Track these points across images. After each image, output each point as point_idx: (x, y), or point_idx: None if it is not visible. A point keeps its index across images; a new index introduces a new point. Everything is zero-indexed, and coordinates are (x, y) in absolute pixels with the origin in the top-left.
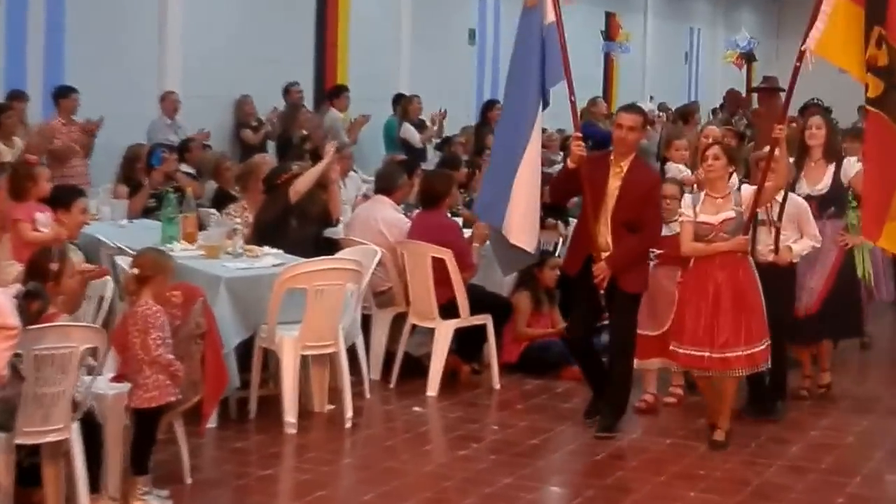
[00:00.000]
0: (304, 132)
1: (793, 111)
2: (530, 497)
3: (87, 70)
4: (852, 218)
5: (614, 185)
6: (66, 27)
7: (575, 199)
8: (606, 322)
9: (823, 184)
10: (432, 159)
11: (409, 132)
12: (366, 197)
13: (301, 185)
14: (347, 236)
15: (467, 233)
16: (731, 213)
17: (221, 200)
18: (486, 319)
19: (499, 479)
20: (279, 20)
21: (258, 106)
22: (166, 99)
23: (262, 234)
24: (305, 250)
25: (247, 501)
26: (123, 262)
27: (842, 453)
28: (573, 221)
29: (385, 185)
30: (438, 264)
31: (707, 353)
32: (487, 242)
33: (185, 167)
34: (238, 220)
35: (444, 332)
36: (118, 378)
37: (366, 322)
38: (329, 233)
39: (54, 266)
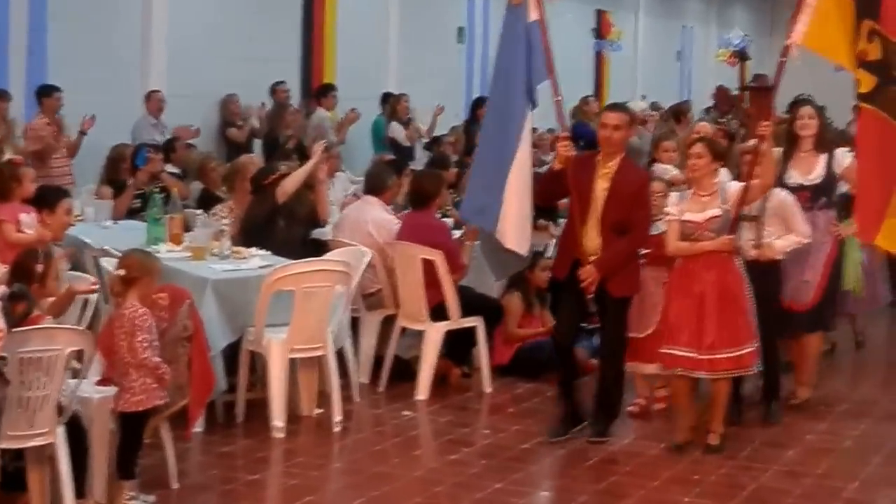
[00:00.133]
0: (291, 132)
1: (780, 107)
2: (522, 502)
3: (70, 68)
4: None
5: (602, 186)
6: (49, 25)
7: (566, 200)
8: (598, 325)
9: (816, 174)
10: (420, 159)
11: (398, 131)
12: (355, 197)
13: (289, 185)
14: (336, 237)
15: (457, 234)
16: (717, 212)
17: (207, 201)
18: (476, 322)
19: (490, 484)
20: (265, 18)
21: (244, 105)
22: (151, 98)
23: (250, 235)
24: (293, 251)
25: None
26: (108, 263)
27: (838, 458)
28: (563, 222)
29: (374, 185)
30: (428, 266)
31: (693, 354)
32: (478, 243)
33: (170, 167)
34: (225, 221)
35: (434, 334)
36: (103, 381)
37: (354, 325)
38: (317, 234)
39: (39, 267)
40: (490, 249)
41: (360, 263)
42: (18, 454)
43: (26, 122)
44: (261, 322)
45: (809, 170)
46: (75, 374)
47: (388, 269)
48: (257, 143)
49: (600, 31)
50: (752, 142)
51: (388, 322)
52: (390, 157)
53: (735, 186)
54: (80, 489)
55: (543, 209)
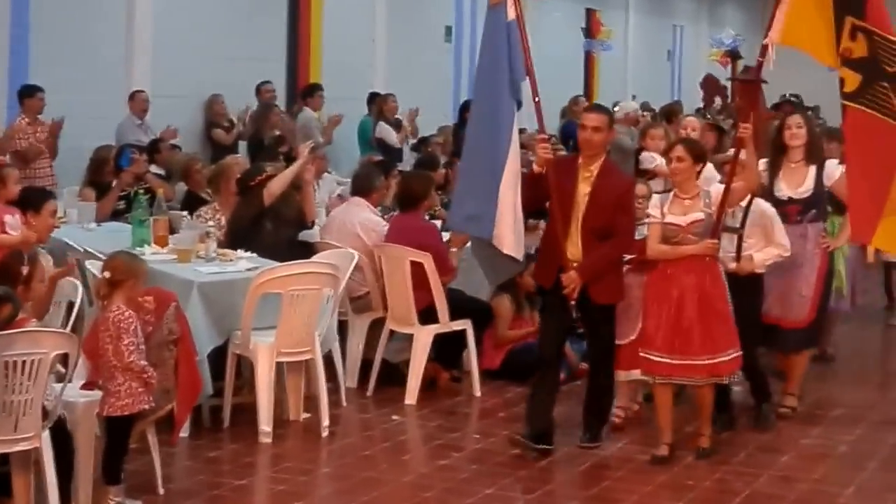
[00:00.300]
0: (277, 132)
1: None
2: None
3: (52, 68)
4: (827, 225)
5: (584, 189)
6: (31, 24)
7: None
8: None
9: (805, 187)
10: (408, 160)
11: (385, 131)
12: (341, 199)
13: (275, 186)
14: (323, 239)
15: (446, 236)
16: (700, 215)
17: (192, 203)
18: (465, 325)
19: (480, 489)
20: (251, 17)
21: (230, 105)
22: (135, 98)
23: (236, 237)
24: (280, 254)
25: None
26: (93, 266)
27: (833, 463)
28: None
29: (362, 186)
30: (417, 268)
31: (668, 360)
32: (468, 245)
33: (154, 168)
34: (211, 223)
35: (423, 338)
36: (89, 385)
37: (342, 328)
38: (304, 236)
39: (25, 270)
40: (484, 255)
41: (347, 266)
42: (3, 459)
43: (7, 123)
44: (247, 325)
45: (799, 183)
46: (60, 378)
47: (376, 272)
48: (242, 145)
49: (590, 31)
50: (730, 151)
51: (376, 325)
52: (378, 158)
53: (718, 190)
54: (66, 494)
55: (529, 212)
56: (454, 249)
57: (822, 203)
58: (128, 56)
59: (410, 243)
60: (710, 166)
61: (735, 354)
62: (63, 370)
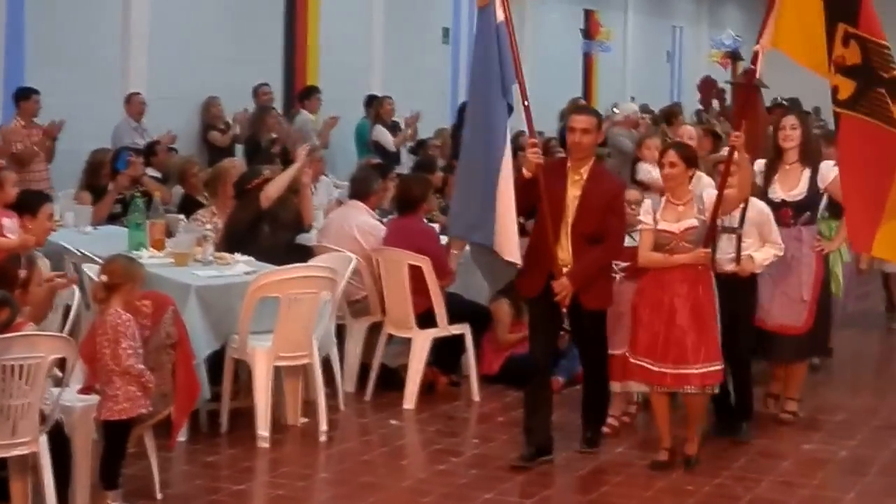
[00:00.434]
0: (273, 135)
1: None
2: None
3: (48, 71)
4: (823, 228)
5: (573, 194)
6: (27, 25)
7: None
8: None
9: (799, 189)
10: (406, 162)
11: (382, 134)
12: (339, 202)
13: (272, 190)
14: (321, 243)
15: (444, 239)
16: (694, 222)
17: (189, 206)
18: (464, 329)
19: (479, 494)
20: (248, 19)
21: (226, 108)
22: (132, 101)
23: (233, 240)
24: (277, 257)
25: None
26: (90, 270)
27: (834, 469)
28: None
29: (360, 189)
30: (415, 272)
31: (659, 368)
32: (466, 248)
33: (151, 171)
34: (208, 226)
35: (422, 342)
36: (86, 390)
37: (340, 332)
38: (302, 239)
39: (22, 273)
40: (483, 261)
41: (345, 269)
42: (1, 464)
43: (2, 126)
44: (245, 329)
45: (793, 185)
46: (57, 382)
47: (374, 276)
48: (239, 148)
49: (588, 32)
50: (724, 150)
51: (374, 329)
52: (376, 160)
53: (711, 196)
54: (64, 499)
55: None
56: (454, 252)
57: (816, 206)
58: (124, 58)
59: (409, 247)
60: (705, 177)
61: (720, 367)
62: (60, 374)
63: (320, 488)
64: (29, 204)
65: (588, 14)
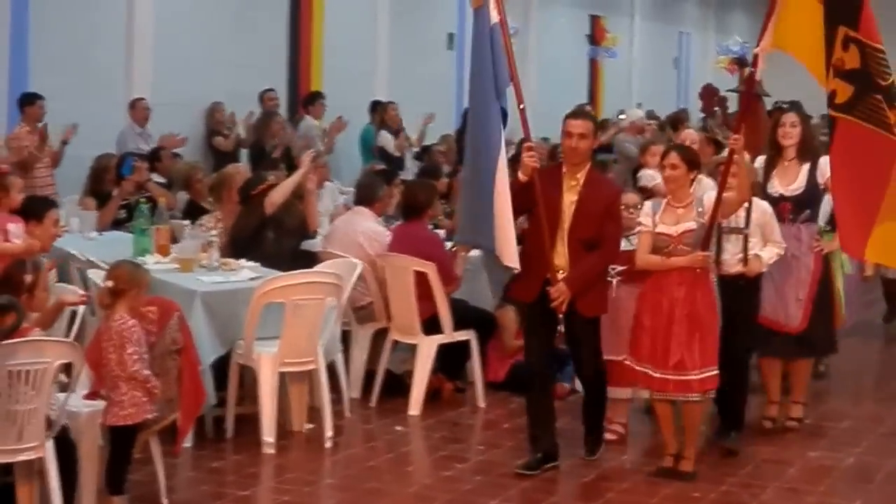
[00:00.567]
0: (278, 141)
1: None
2: None
3: (52, 76)
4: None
5: (570, 199)
6: (31, 31)
7: None
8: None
9: (798, 184)
10: (411, 168)
11: (387, 140)
12: (346, 208)
13: (277, 196)
14: (326, 249)
15: (449, 245)
16: (692, 225)
17: (193, 212)
18: (470, 335)
19: (484, 500)
20: (252, 25)
21: (231, 114)
22: (136, 106)
23: (238, 246)
24: (282, 263)
25: None
26: (95, 275)
27: (840, 476)
28: None
29: (365, 195)
30: (421, 278)
31: (660, 374)
32: (472, 252)
33: (155, 177)
34: (213, 232)
35: (427, 348)
36: (92, 395)
37: (345, 338)
38: (307, 245)
39: (28, 278)
40: (490, 267)
41: (350, 275)
42: (7, 469)
43: (7, 131)
44: (250, 335)
45: (791, 180)
46: (63, 387)
47: (379, 282)
48: (244, 152)
49: (595, 38)
50: (724, 153)
51: (379, 335)
52: (381, 166)
53: (712, 197)
54: None
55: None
56: (460, 256)
57: (816, 203)
58: (128, 64)
59: (414, 253)
60: (707, 180)
61: (716, 373)
62: (66, 380)
63: (326, 494)
64: (35, 209)
65: (594, 20)
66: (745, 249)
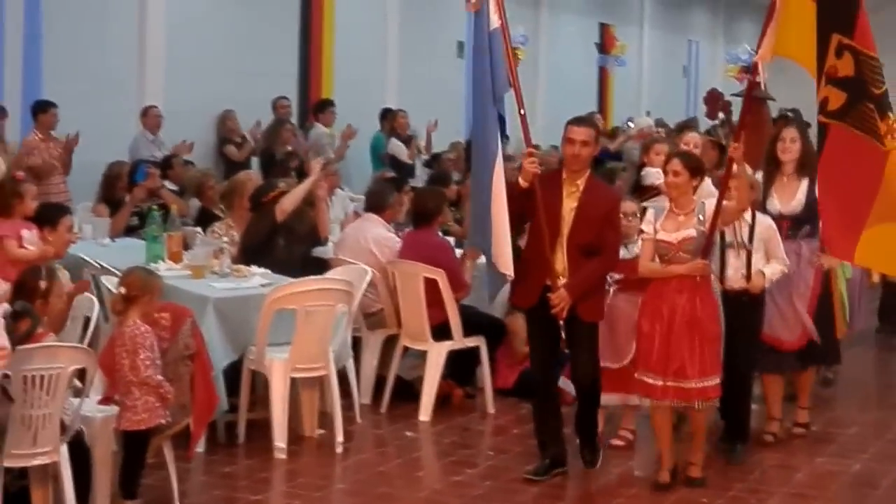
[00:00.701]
0: (289, 148)
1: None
2: None
3: (65, 84)
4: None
5: (569, 206)
6: (44, 39)
7: None
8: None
9: (797, 201)
10: (421, 176)
11: (397, 148)
12: (356, 215)
13: (287, 203)
14: (337, 256)
15: (459, 252)
16: (692, 232)
17: (205, 219)
18: (479, 342)
19: None
20: (263, 33)
21: (242, 121)
22: (148, 114)
23: (249, 253)
24: (293, 270)
25: None
26: (108, 282)
27: (848, 481)
28: None
29: (375, 203)
30: (430, 285)
31: (661, 382)
32: (481, 259)
33: (167, 184)
34: (224, 238)
35: (437, 354)
36: (106, 400)
37: (356, 344)
38: (318, 252)
39: (43, 284)
40: (489, 270)
41: (361, 282)
42: (22, 473)
43: (21, 139)
44: (262, 341)
45: (790, 197)
46: (77, 392)
47: (389, 288)
48: (254, 161)
49: (604, 46)
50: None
51: (390, 342)
52: (391, 174)
53: (713, 206)
54: None
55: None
56: (470, 262)
57: (816, 219)
58: (140, 72)
59: (424, 260)
60: (709, 183)
61: (719, 381)
62: (80, 385)
63: (337, 499)
64: (49, 216)
65: (603, 28)
66: (749, 265)
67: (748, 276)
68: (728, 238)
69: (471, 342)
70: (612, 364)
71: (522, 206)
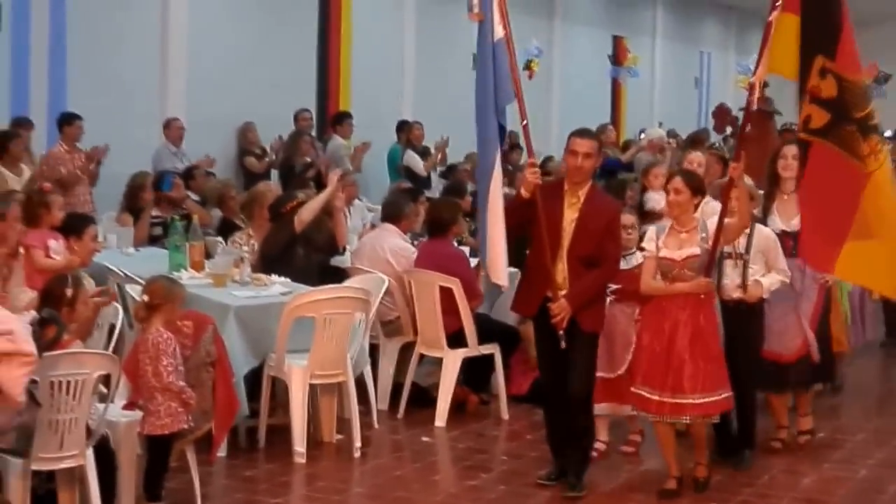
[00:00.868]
0: (308, 159)
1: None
2: None
3: (90, 97)
4: None
5: (570, 216)
6: (69, 52)
7: None
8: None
9: (798, 219)
10: (437, 186)
11: (413, 159)
12: (373, 226)
13: (306, 213)
14: (354, 265)
15: (474, 261)
16: (696, 250)
17: (227, 229)
18: (494, 349)
19: None
20: (281, 46)
21: (261, 132)
22: (171, 126)
23: (268, 262)
24: (312, 279)
25: None
26: (132, 290)
27: (855, 486)
28: None
29: (392, 213)
30: (446, 293)
31: (657, 397)
32: None
33: (189, 195)
34: (245, 248)
35: (452, 361)
36: (130, 405)
37: (373, 352)
38: (336, 261)
39: (69, 292)
40: (486, 279)
41: (378, 291)
42: (49, 476)
43: (46, 151)
44: (282, 348)
45: (791, 215)
46: (103, 398)
47: (406, 297)
48: (274, 172)
49: (616, 57)
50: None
51: (406, 349)
52: (407, 185)
53: (714, 224)
54: None
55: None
56: (484, 272)
57: None
58: (162, 84)
59: (439, 269)
60: (714, 203)
61: (727, 395)
62: (106, 390)
63: (355, 502)
64: (74, 226)
65: (616, 40)
66: (745, 275)
67: (744, 286)
68: (726, 248)
69: (485, 349)
70: (606, 374)
71: (524, 216)
